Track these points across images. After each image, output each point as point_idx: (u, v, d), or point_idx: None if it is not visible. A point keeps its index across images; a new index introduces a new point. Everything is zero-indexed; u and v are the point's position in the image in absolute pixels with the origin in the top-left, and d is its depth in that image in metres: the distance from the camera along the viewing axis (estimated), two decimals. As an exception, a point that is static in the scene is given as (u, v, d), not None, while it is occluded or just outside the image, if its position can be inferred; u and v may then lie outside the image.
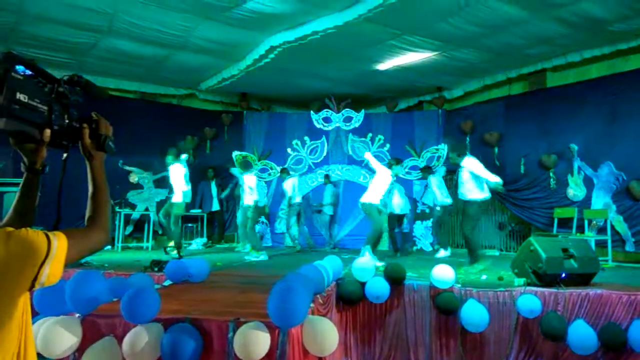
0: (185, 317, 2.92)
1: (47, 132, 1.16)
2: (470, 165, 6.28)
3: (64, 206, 1.26)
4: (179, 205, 7.35)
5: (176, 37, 7.57)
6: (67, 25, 7.15)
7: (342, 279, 4.86)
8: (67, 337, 2.92)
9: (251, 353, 2.74)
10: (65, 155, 1.27)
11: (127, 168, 9.49)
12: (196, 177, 9.31)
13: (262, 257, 7.45)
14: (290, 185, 9.34)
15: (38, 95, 1.13)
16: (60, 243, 1.07)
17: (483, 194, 6.27)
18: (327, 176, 10.10)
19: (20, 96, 1.06)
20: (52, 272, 1.04)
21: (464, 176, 6.33)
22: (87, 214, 1.26)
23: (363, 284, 4.71)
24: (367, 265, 4.82)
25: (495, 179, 6.12)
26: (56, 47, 7.92)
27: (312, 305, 3.39)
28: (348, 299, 4.69)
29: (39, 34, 7.43)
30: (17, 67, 1.09)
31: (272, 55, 8.10)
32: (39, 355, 3.22)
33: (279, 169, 10.23)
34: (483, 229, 10.39)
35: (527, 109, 8.96)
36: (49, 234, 1.06)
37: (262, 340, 2.76)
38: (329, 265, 4.43)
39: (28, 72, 1.15)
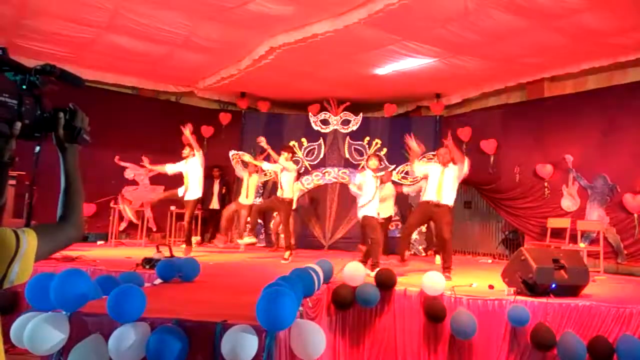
0: (172, 318, 2.92)
1: (18, 125, 1.11)
2: None
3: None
4: None
5: (176, 35, 7.56)
6: (67, 20, 7.13)
7: (333, 282, 4.87)
8: (54, 334, 2.91)
9: (238, 356, 2.74)
10: (37, 148, 1.22)
11: (123, 164, 9.45)
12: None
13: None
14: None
15: (7, 89, 1.10)
16: (30, 240, 1.05)
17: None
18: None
19: None
20: (22, 269, 1.03)
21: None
22: (59, 208, 1.23)
23: (354, 289, 4.71)
24: (357, 270, 4.82)
25: None
26: (56, 40, 7.90)
27: (301, 308, 3.39)
28: (340, 303, 4.69)
29: (38, 27, 7.40)
30: None
31: (271, 57, 8.09)
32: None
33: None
34: (478, 236, 10.43)
35: (524, 118, 8.98)
36: (18, 231, 1.04)
37: (249, 344, 2.76)
38: (320, 269, 4.44)
39: None
